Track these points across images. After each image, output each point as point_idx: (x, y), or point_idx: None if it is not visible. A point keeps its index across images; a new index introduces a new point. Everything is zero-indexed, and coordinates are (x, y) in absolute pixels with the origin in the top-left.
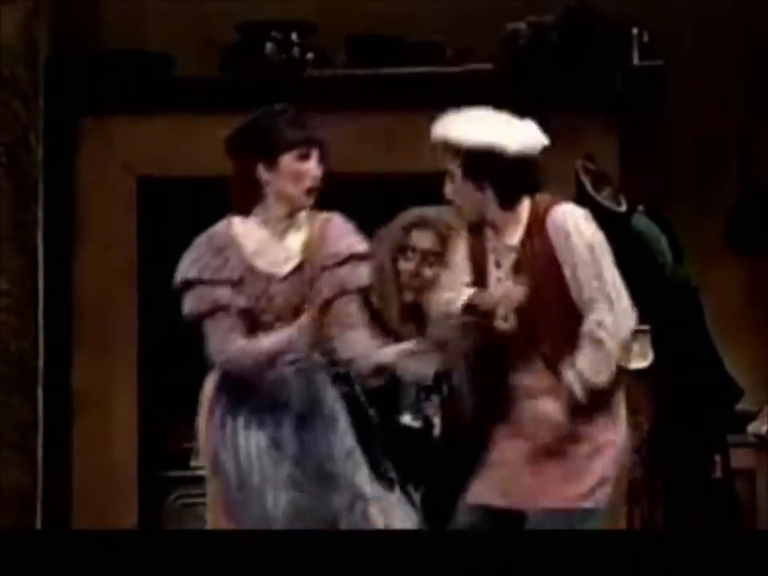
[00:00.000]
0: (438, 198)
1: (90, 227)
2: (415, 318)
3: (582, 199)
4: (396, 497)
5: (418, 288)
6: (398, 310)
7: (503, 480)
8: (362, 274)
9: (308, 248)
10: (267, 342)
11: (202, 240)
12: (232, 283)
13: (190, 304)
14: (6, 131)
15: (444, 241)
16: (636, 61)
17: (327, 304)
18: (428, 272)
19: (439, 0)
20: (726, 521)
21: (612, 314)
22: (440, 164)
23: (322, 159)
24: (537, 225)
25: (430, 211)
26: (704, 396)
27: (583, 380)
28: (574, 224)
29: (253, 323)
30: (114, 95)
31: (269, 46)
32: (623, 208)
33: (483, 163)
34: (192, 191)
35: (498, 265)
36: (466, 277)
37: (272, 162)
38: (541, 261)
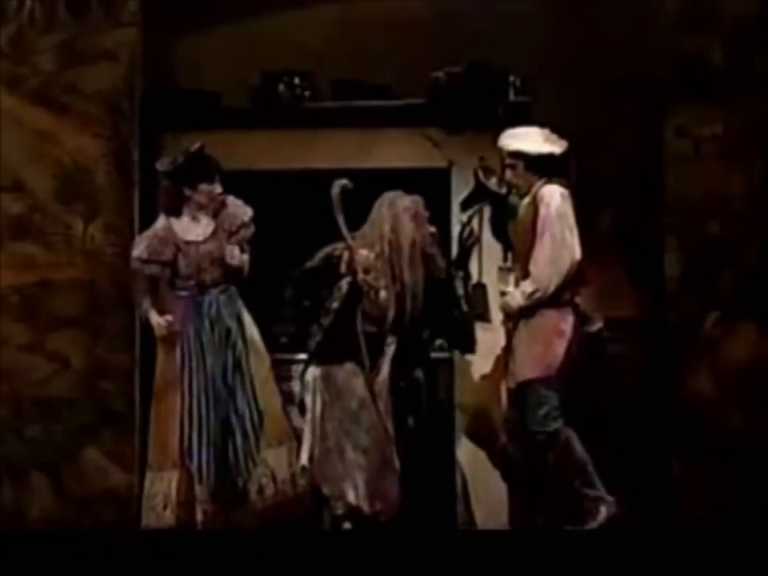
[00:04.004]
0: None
1: None
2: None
3: (477, 184)
4: None
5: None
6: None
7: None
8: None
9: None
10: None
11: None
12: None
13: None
14: (116, 142)
15: None
16: (512, 97)
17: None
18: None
19: (387, 55)
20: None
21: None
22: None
23: (221, 179)
24: (536, 193)
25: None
26: None
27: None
28: (550, 196)
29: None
30: (184, 118)
31: (281, 86)
32: (504, 190)
33: (543, 162)
34: (233, 178)
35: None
36: None
37: (193, 187)
38: (531, 211)
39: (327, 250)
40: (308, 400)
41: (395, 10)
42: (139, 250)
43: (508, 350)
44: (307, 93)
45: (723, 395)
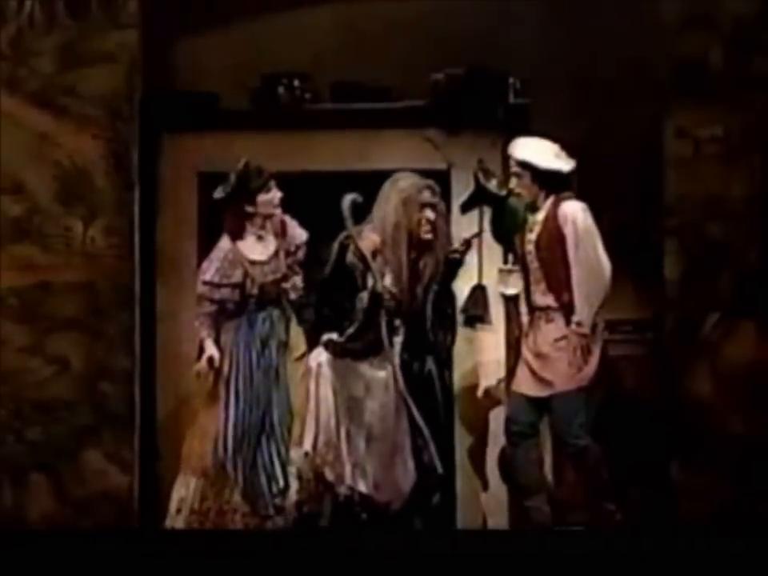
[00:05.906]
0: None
1: (168, 205)
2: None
3: (477, 186)
4: None
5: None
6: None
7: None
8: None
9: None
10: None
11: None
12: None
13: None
14: (116, 143)
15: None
16: (511, 99)
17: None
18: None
19: (386, 57)
20: None
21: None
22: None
23: (277, 185)
24: (553, 210)
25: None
26: None
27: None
28: (573, 215)
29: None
30: (184, 120)
31: (280, 88)
32: (503, 192)
33: (549, 176)
34: None
35: (530, 230)
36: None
37: (252, 201)
38: (553, 232)
39: (340, 238)
40: (311, 386)
41: (395, 11)
42: (210, 274)
43: (532, 356)
44: (307, 95)
45: (723, 396)
